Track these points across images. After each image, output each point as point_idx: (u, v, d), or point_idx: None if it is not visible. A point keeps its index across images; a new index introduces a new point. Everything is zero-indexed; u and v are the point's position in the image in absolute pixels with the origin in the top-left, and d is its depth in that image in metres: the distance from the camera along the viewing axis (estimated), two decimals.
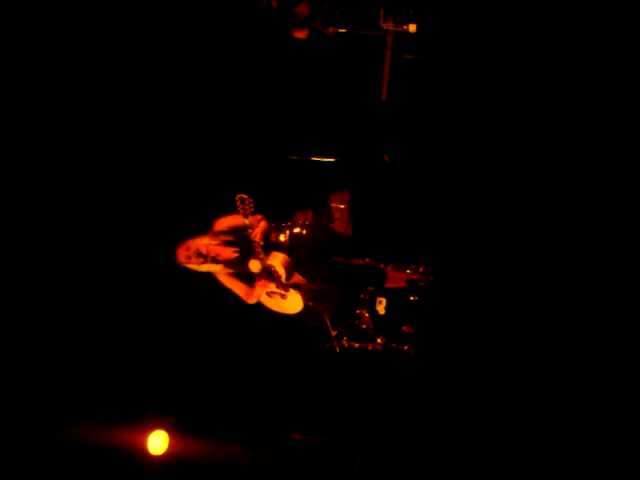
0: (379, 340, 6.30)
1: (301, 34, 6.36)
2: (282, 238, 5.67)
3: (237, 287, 5.61)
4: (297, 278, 5.62)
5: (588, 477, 5.85)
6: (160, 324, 6.61)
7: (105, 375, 6.55)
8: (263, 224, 5.41)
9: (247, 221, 5.14)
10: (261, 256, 5.35)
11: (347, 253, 6.16)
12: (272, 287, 5.55)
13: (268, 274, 5.47)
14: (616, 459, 5.83)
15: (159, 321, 6.61)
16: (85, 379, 6.53)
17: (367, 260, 6.14)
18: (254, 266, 5.49)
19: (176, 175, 6.80)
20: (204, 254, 5.46)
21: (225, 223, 5.58)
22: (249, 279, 5.61)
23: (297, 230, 5.76)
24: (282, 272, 5.48)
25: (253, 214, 5.12)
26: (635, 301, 6.01)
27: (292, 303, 5.67)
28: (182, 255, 5.44)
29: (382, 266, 6.17)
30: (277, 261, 5.49)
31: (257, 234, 5.28)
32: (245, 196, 4.99)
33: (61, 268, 6.65)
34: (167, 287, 6.51)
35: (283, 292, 5.57)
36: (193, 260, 5.43)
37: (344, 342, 6.27)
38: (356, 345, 6.29)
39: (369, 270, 6.16)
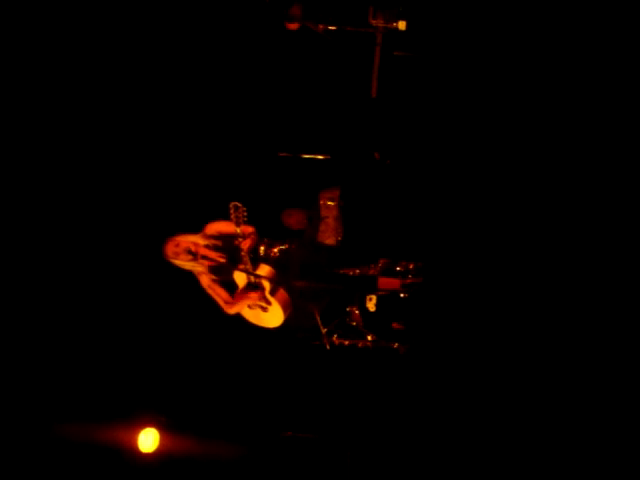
0: (369, 337, 6.31)
1: (293, 26, 6.35)
2: (271, 253, 5.71)
3: (219, 294, 5.59)
4: (281, 293, 5.62)
5: (588, 477, 5.85)
6: (150, 322, 6.60)
7: (96, 373, 6.54)
8: (253, 236, 5.44)
9: (238, 229, 5.17)
10: (247, 266, 5.37)
11: (337, 262, 6.16)
12: (254, 299, 5.55)
13: (252, 286, 5.49)
14: (616, 459, 5.84)
15: (149, 319, 6.60)
16: (76, 378, 6.52)
17: (357, 271, 6.15)
18: (239, 277, 5.51)
19: (167, 171, 6.80)
20: (193, 252, 5.47)
21: (217, 228, 5.59)
22: (232, 288, 5.61)
23: (286, 246, 5.80)
24: (267, 284, 5.49)
25: (246, 224, 5.16)
26: (631, 299, 6.02)
27: (272, 317, 5.65)
28: (170, 250, 5.45)
29: (373, 272, 6.17)
30: (263, 273, 5.50)
31: (246, 244, 5.30)
32: (239, 204, 5.04)
33: (55, 267, 6.65)
34: (157, 286, 6.50)
35: (265, 305, 5.57)
36: (181, 257, 5.44)
37: (334, 339, 6.29)
38: (346, 342, 6.30)
39: (360, 279, 6.17)
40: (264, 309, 5.61)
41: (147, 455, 6.20)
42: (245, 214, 5.07)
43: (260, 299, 5.54)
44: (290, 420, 6.47)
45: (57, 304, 6.57)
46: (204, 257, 5.52)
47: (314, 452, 6.40)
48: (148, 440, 6.17)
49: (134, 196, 6.73)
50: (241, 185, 6.50)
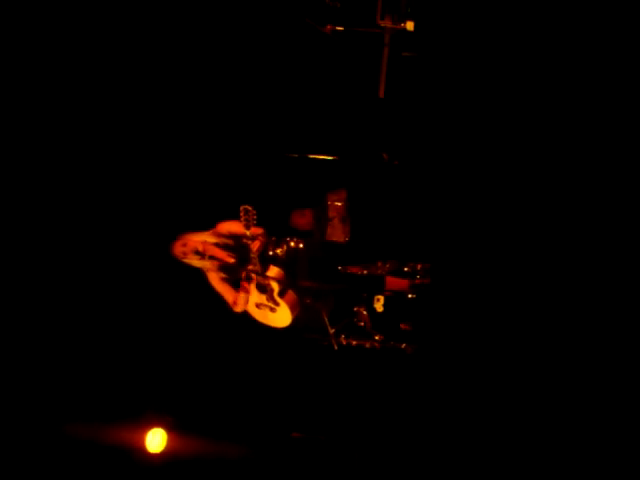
0: (377, 338, 6.31)
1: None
2: (280, 253, 5.74)
3: (226, 293, 5.63)
4: (290, 294, 5.64)
5: (588, 477, 5.84)
6: (158, 322, 6.61)
7: (104, 373, 6.55)
8: (262, 237, 5.47)
9: (248, 232, 5.22)
10: (257, 267, 5.40)
11: (345, 260, 6.17)
12: (263, 299, 5.57)
13: (261, 287, 5.52)
14: (616, 459, 5.82)
15: (157, 319, 6.61)
16: (84, 378, 6.53)
17: (365, 271, 6.16)
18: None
19: (175, 172, 6.81)
20: (201, 252, 5.50)
21: (227, 228, 5.63)
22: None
23: (294, 244, 5.82)
24: (275, 285, 5.50)
25: (255, 226, 5.21)
26: (635, 301, 6.00)
27: (280, 317, 5.68)
28: (178, 250, 5.49)
29: (380, 273, 6.18)
30: (272, 274, 5.53)
31: (255, 245, 5.34)
32: (249, 207, 5.11)
33: (61, 266, 6.67)
34: (165, 286, 6.52)
35: (273, 305, 5.59)
36: (189, 256, 5.47)
37: (342, 340, 6.29)
38: (354, 343, 6.30)
39: (368, 280, 6.17)
40: (272, 310, 5.62)
41: (155, 455, 6.22)
42: (255, 217, 5.13)
43: (268, 300, 5.56)
44: (297, 421, 6.47)
45: (66, 305, 6.59)
46: (212, 257, 5.54)
47: (321, 453, 6.40)
48: (156, 440, 6.18)
49: (144, 196, 6.75)
50: (249, 185, 6.52)
